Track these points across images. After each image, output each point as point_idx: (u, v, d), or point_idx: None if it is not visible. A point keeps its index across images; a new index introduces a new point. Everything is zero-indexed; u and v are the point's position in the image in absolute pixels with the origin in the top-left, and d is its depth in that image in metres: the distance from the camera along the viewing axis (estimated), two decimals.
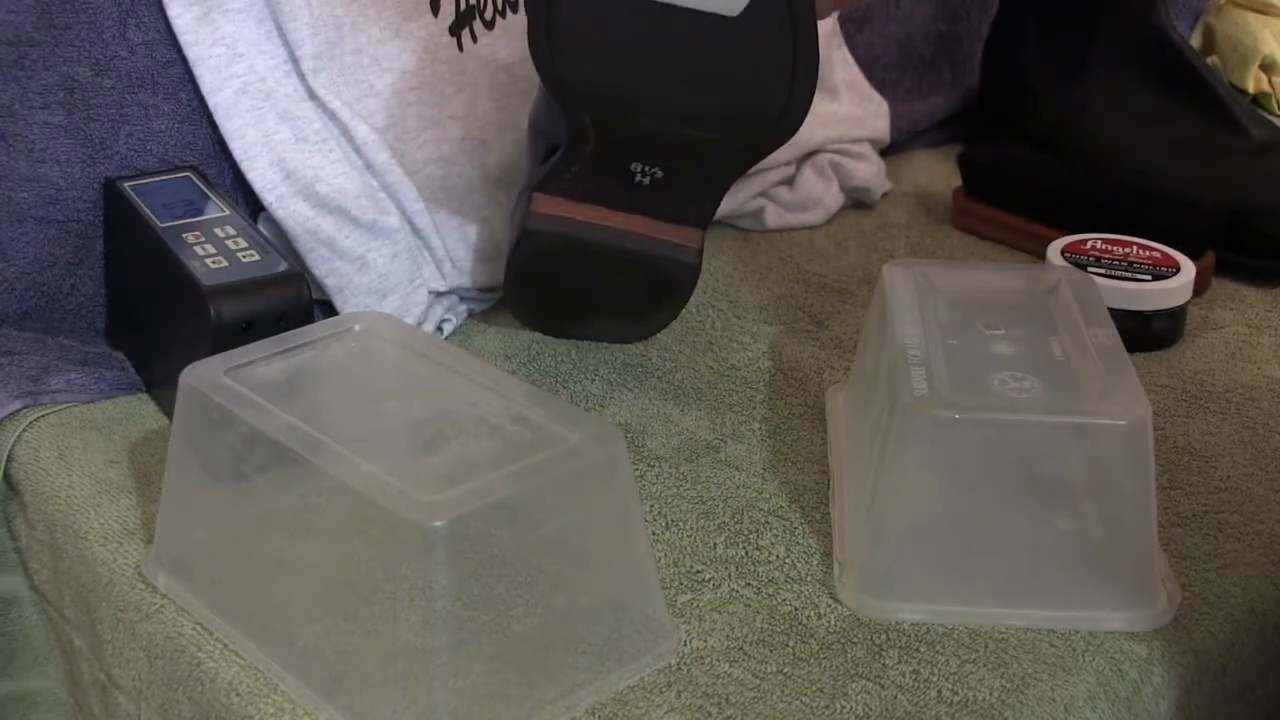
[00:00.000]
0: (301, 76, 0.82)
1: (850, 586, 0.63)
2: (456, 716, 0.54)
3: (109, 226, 0.80)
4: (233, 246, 0.73)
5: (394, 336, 0.66)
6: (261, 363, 0.63)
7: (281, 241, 0.82)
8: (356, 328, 0.66)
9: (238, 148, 0.81)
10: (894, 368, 0.63)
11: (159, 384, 0.77)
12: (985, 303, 0.70)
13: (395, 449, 0.57)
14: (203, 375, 0.62)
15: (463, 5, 0.88)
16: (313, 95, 0.82)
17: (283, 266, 0.72)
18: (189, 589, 0.63)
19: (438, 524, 0.52)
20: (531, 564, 0.57)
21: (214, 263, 0.72)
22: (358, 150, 0.83)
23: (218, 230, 0.75)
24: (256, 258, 0.73)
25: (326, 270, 0.81)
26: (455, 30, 0.88)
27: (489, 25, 0.89)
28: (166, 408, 0.76)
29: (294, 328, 0.67)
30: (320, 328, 0.67)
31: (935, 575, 0.62)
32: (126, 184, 0.78)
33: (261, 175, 0.80)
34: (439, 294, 0.85)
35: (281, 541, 0.61)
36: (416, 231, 0.84)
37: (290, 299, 0.71)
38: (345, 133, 0.82)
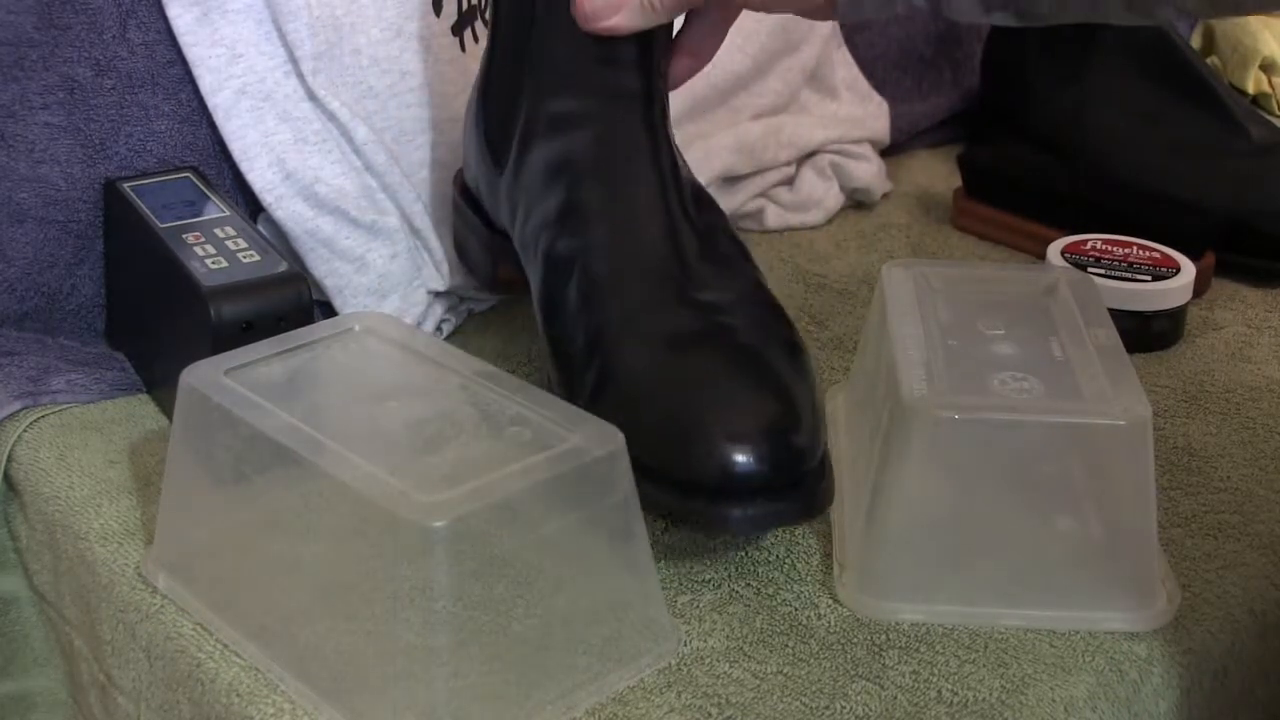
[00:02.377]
0: (301, 77, 0.82)
1: (850, 587, 0.63)
2: (456, 717, 0.54)
3: (109, 227, 0.80)
4: (233, 247, 0.73)
5: (394, 336, 0.66)
6: (261, 363, 0.63)
7: (281, 242, 0.82)
8: (356, 328, 0.66)
9: (237, 148, 0.81)
10: (894, 368, 0.63)
11: (159, 384, 0.77)
12: (985, 303, 0.70)
13: (395, 449, 0.57)
14: (203, 375, 0.62)
15: (465, 5, 0.88)
16: (312, 96, 0.82)
17: (283, 267, 0.72)
18: (189, 589, 0.62)
19: (438, 524, 0.52)
20: (531, 564, 0.57)
21: (214, 263, 0.72)
22: (357, 151, 0.83)
23: (218, 230, 0.75)
24: (256, 258, 0.73)
25: (326, 271, 0.81)
26: (458, 30, 0.88)
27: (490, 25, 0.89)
28: (166, 408, 0.76)
29: (294, 328, 0.67)
30: (320, 328, 0.67)
31: (935, 575, 0.62)
32: (126, 185, 0.78)
33: (261, 176, 0.80)
34: (438, 294, 0.85)
35: (282, 542, 0.61)
36: (416, 232, 0.84)
37: (290, 299, 0.71)
38: (344, 134, 0.82)
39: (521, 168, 0.73)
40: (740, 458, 0.60)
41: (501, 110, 0.76)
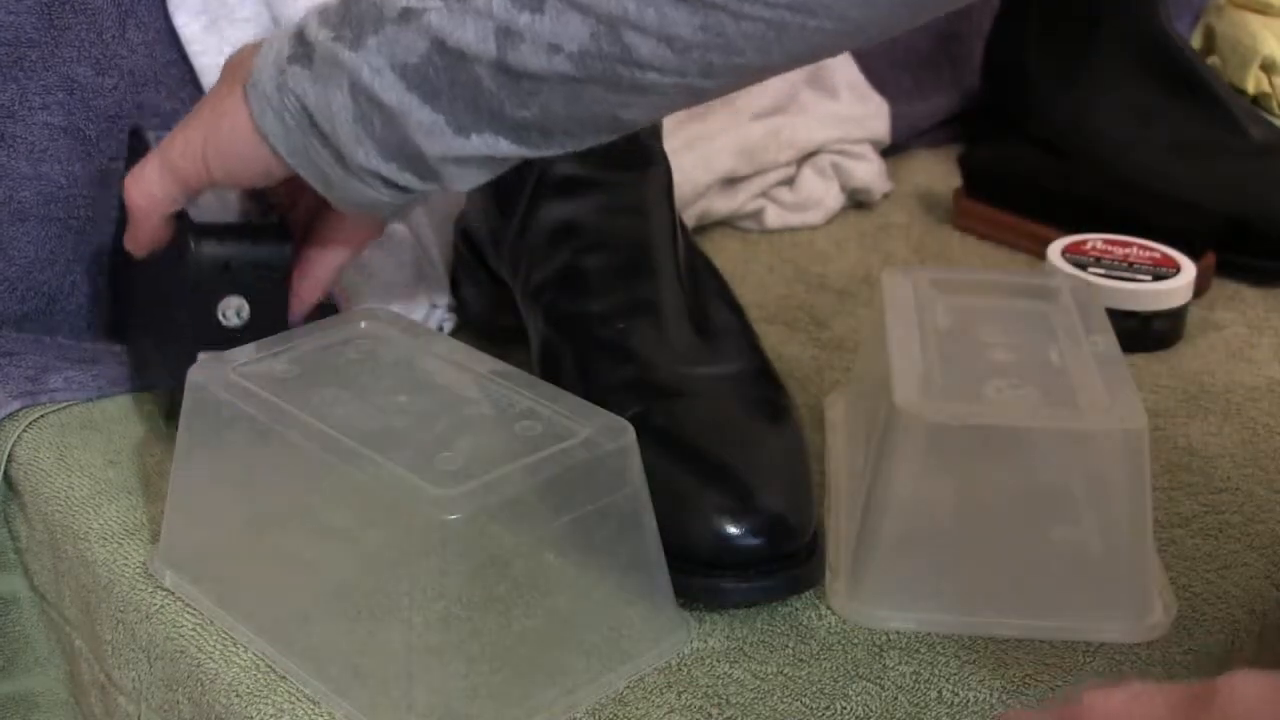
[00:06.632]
0: None
1: (841, 593, 0.63)
2: (460, 714, 0.54)
3: (128, 169, 0.79)
4: (231, 197, 0.73)
5: (401, 332, 0.66)
6: (269, 359, 0.63)
7: None
8: (363, 324, 0.67)
9: None
10: (889, 374, 0.63)
11: (145, 341, 0.75)
12: (984, 309, 0.70)
13: (407, 444, 0.57)
14: (211, 372, 0.62)
15: None
16: None
17: (273, 219, 0.71)
18: (197, 586, 0.62)
19: (453, 518, 0.52)
20: (542, 559, 0.57)
21: (208, 206, 0.70)
22: None
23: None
24: (251, 206, 0.72)
25: None
26: None
27: None
28: (154, 372, 0.74)
29: (273, 279, 0.67)
30: (327, 324, 0.67)
31: (926, 584, 0.62)
32: (150, 133, 0.77)
33: None
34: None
35: (293, 537, 0.61)
36: (421, 244, 0.84)
37: (274, 251, 0.70)
38: None
39: (528, 226, 0.74)
40: (736, 531, 0.61)
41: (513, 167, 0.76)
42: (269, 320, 0.69)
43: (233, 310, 0.68)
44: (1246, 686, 0.35)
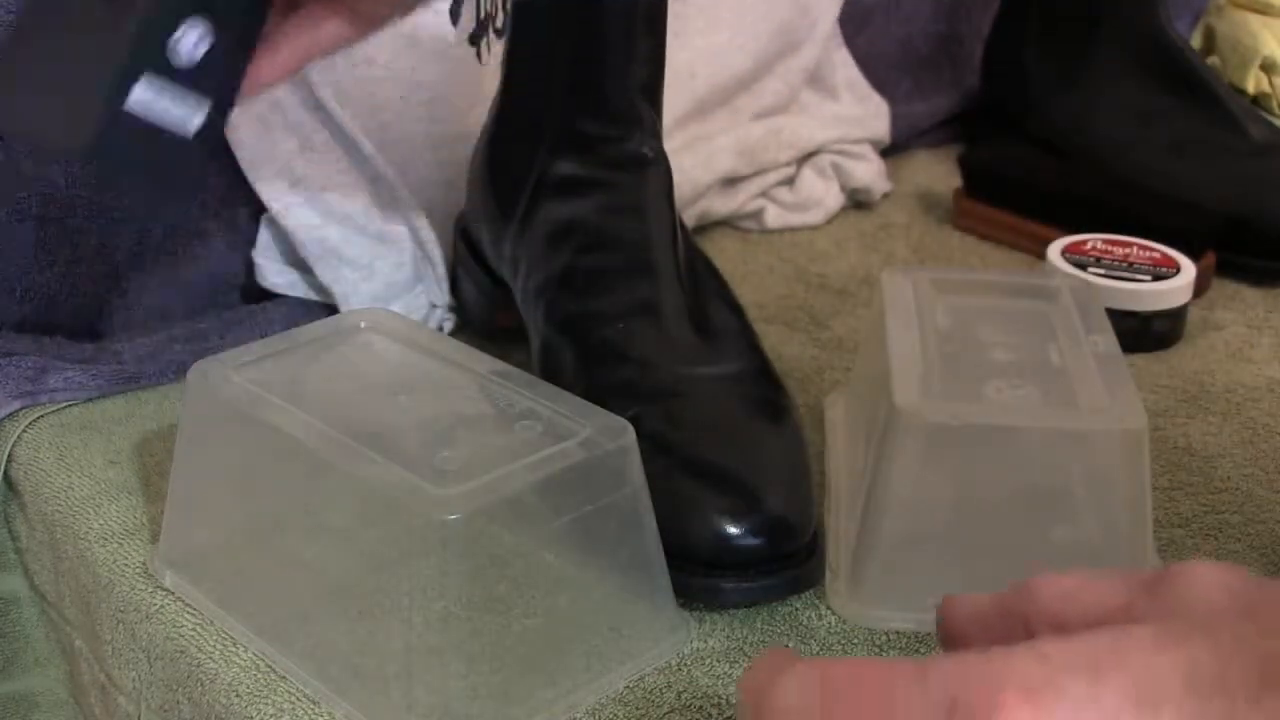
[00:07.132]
0: (309, 86, 0.81)
1: (841, 594, 0.63)
2: (459, 715, 0.54)
3: None
4: None
5: (400, 333, 0.66)
6: (269, 359, 0.63)
7: (287, 247, 0.82)
8: (362, 324, 0.67)
9: (244, 156, 0.81)
10: (889, 374, 0.63)
11: (59, 76, 0.58)
12: (984, 309, 0.70)
13: (407, 444, 0.57)
14: (212, 371, 0.62)
15: (481, 13, 0.88)
16: (320, 105, 0.81)
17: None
18: (197, 586, 0.63)
19: (453, 518, 0.52)
20: (542, 559, 0.57)
21: None
22: (365, 160, 0.83)
23: None
24: None
25: (333, 277, 0.81)
26: (475, 40, 0.88)
27: (500, 33, 0.89)
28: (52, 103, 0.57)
29: (241, 27, 0.58)
30: (326, 325, 0.67)
31: (925, 584, 0.61)
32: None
33: (268, 184, 0.80)
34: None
35: (293, 538, 0.61)
36: (421, 244, 0.84)
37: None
38: (352, 144, 0.82)
39: (528, 226, 0.74)
40: (736, 531, 0.61)
41: (512, 166, 0.76)
42: (220, 75, 0.58)
43: (190, 41, 0.56)
44: (1202, 571, 0.36)
